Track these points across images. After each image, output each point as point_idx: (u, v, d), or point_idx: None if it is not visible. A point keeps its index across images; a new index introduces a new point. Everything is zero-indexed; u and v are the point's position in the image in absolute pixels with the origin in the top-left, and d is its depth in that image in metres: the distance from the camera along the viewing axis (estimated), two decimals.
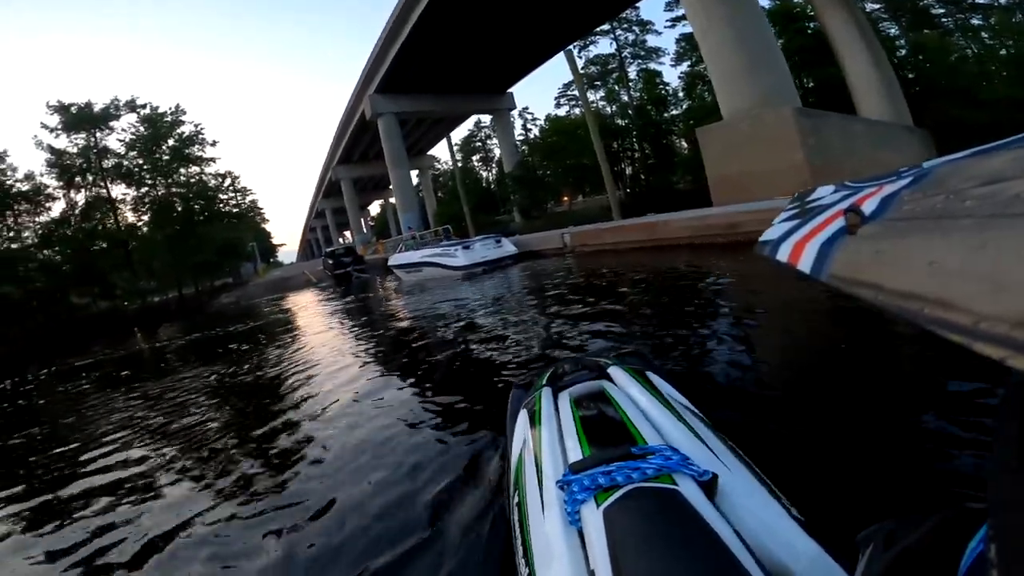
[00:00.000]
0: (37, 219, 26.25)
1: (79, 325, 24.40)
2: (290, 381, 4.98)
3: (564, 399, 1.52)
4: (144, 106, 27.85)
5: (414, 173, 44.80)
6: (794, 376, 2.91)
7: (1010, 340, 0.22)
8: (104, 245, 26.90)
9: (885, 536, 0.43)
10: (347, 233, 66.12)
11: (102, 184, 27.28)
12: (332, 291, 19.16)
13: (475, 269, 12.17)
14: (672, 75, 58.57)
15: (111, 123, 27.22)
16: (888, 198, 0.45)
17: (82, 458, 3.90)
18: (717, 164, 11.14)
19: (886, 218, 0.41)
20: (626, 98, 32.43)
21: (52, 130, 26.17)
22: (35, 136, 26.31)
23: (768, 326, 3.86)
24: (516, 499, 1.20)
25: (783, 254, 0.50)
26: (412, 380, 4.09)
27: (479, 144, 52.87)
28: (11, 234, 25.49)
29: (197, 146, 29.06)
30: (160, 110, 28.18)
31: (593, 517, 0.86)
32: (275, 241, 78.54)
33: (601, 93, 34.32)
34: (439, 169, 51.74)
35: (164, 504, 2.73)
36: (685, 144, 27.42)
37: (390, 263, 16.17)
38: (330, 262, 24.99)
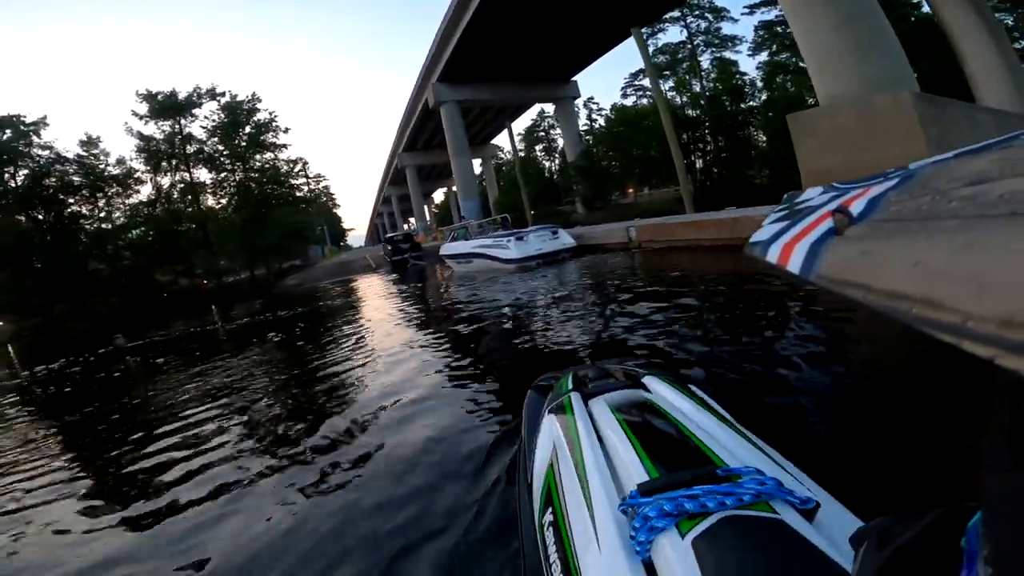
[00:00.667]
0: (127, 201, 28.14)
1: (161, 301, 25.93)
2: (322, 375, 5.17)
3: (600, 406, 1.35)
4: (223, 94, 29.17)
5: (477, 162, 44.67)
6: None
7: (997, 339, 0.22)
8: (186, 227, 28.43)
9: (879, 534, 0.43)
10: (411, 219, 67.27)
11: (185, 168, 28.82)
12: (387, 277, 19.51)
13: (528, 263, 11.32)
14: (749, 65, 55.19)
15: (194, 110, 28.70)
16: (875, 199, 0.46)
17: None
18: (813, 156, 9.93)
19: (873, 219, 0.42)
20: (698, 88, 30.78)
21: (141, 117, 27.88)
22: (126, 123, 28.28)
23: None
24: (549, 518, 1.03)
25: (772, 255, 0.50)
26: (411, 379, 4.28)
27: (542, 134, 52.17)
28: (103, 214, 27.33)
29: (271, 133, 30.16)
30: (238, 98, 29.43)
31: (676, 549, 0.74)
32: (345, 225, 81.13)
33: (670, 83, 32.80)
34: (502, 158, 51.38)
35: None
36: (763, 137, 25.67)
37: (441, 252, 15.32)
38: (389, 248, 25.21)
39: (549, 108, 44.86)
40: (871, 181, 0.51)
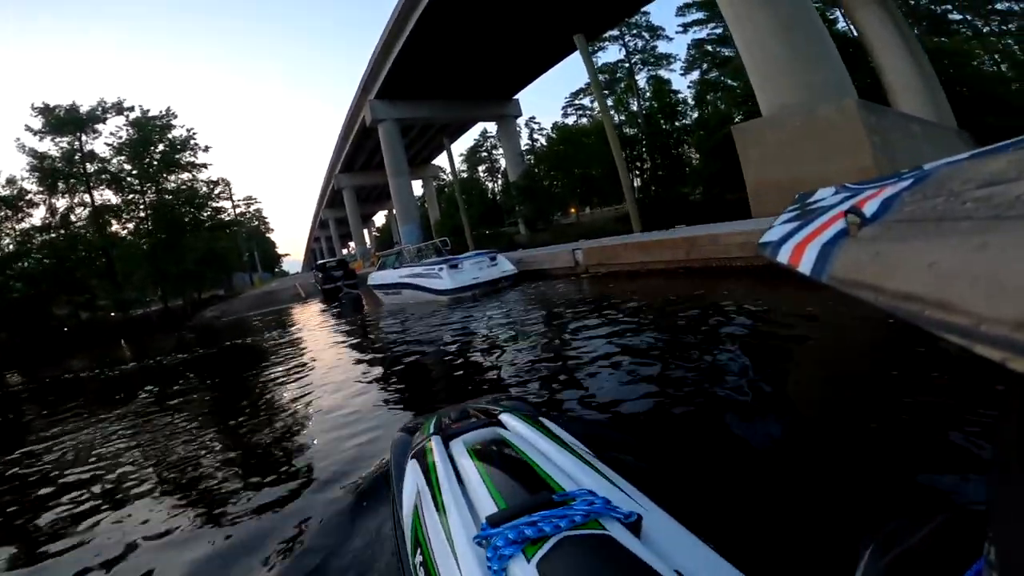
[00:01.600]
0: (17, 226, 24.94)
1: (60, 336, 23.00)
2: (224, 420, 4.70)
3: (458, 448, 1.45)
4: (131, 108, 26.67)
5: (418, 184, 43.51)
6: None
7: (1010, 342, 0.22)
8: (85, 253, 25.51)
9: (884, 538, 0.43)
10: (351, 244, 64.88)
11: (85, 190, 25.98)
12: (317, 308, 18.23)
13: (463, 293, 10.26)
14: (680, 84, 57.36)
15: (97, 126, 26.03)
16: (889, 200, 0.46)
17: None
18: (759, 168, 9.45)
19: (886, 220, 0.42)
20: (635, 107, 31.20)
21: (36, 133, 24.95)
22: (17, 139, 25.10)
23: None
24: (419, 559, 1.08)
25: (784, 256, 0.49)
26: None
27: (484, 154, 51.76)
28: None
29: (189, 151, 27.82)
30: (150, 113, 27.00)
31: (525, 573, 0.81)
32: (280, 250, 77.36)
33: (609, 101, 33.08)
34: (443, 179, 50.48)
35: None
36: (696, 155, 26.02)
37: (369, 282, 13.96)
38: (320, 275, 23.33)
39: (492, 127, 44.56)
40: (885, 181, 0.51)
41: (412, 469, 1.45)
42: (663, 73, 31.51)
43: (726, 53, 27.99)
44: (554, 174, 26.82)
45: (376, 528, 2.08)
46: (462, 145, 51.41)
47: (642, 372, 3.60)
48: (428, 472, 1.34)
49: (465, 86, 27.79)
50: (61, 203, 25.85)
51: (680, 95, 29.81)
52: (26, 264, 24.38)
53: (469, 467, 1.27)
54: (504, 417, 1.62)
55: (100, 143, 26.60)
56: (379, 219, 71.92)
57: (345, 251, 62.78)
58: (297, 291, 26.29)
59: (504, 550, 0.84)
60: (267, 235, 66.32)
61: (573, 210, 30.87)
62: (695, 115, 27.24)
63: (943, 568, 0.34)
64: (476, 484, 1.17)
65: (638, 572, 0.76)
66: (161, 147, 26.92)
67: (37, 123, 24.91)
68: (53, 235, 25.15)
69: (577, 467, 1.20)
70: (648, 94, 30.16)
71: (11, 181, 24.75)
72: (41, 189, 25.19)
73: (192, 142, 27.84)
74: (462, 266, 10.63)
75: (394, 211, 54.73)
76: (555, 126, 37.13)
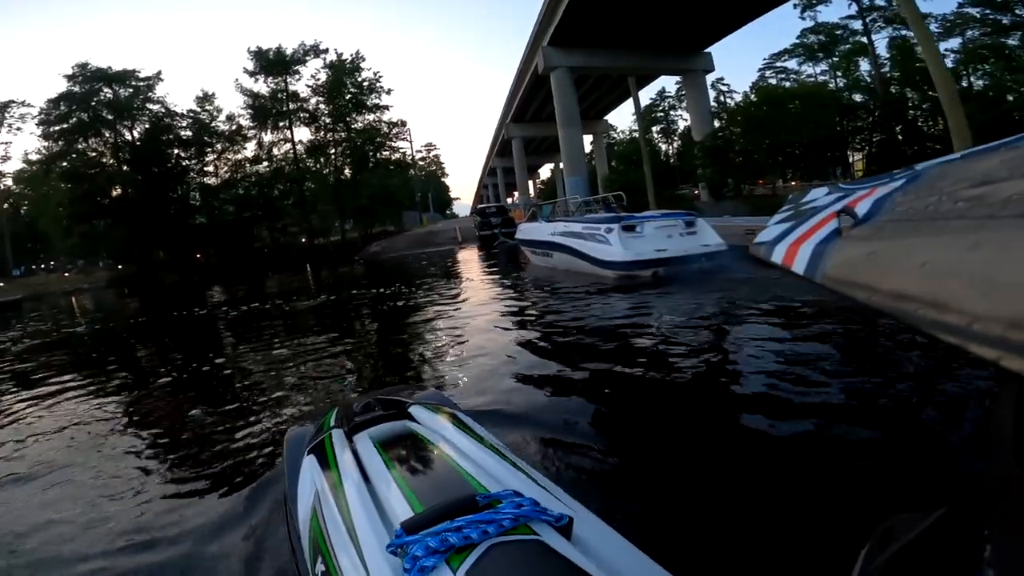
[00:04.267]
0: (233, 157, 28.71)
1: (259, 257, 26.29)
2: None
3: (364, 442, 1.30)
4: (326, 51, 28.64)
5: (587, 139, 41.66)
6: None
7: (1004, 341, 0.22)
8: (285, 184, 28.65)
9: (883, 533, 0.43)
10: (515, 193, 65.80)
11: (287, 126, 28.78)
12: (469, 254, 17.66)
13: (639, 271, 6.87)
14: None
15: (299, 67, 28.42)
16: (881, 200, 0.46)
17: None
18: None
19: (879, 220, 0.42)
20: (866, 70, 25.79)
21: (252, 74, 28.01)
22: (236, 79, 28.61)
23: None
24: (321, 568, 0.97)
25: (778, 256, 0.50)
26: None
27: (660, 114, 47.74)
28: (210, 168, 28.22)
29: (375, 94, 29.41)
30: (343, 56, 28.83)
31: None
32: (452, 194, 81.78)
33: (822, 67, 28.14)
34: (614, 137, 47.79)
35: None
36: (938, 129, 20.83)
37: (517, 235, 11.37)
38: (479, 220, 22.67)
39: (670, 87, 40.68)
40: (877, 182, 0.50)
41: (310, 466, 1.31)
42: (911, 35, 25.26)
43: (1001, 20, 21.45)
44: (749, 138, 23.38)
45: (265, 532, 1.86)
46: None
47: None
48: (329, 469, 1.21)
49: (648, 35, 24.75)
50: (268, 138, 29.06)
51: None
52: (239, 191, 28.20)
53: (377, 464, 1.15)
54: (415, 410, 1.49)
55: (301, 84, 29.27)
56: (544, 172, 71.66)
57: (510, 200, 63.84)
58: (456, 235, 26.43)
59: (425, 560, 0.76)
60: (442, 179, 70.30)
61: (761, 182, 26.90)
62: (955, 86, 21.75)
63: (942, 564, 0.34)
64: (386, 483, 1.06)
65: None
66: (352, 89, 28.76)
67: (252, 65, 27.90)
68: (260, 166, 28.61)
69: (499, 466, 1.10)
70: (889, 57, 24.62)
71: (230, 118, 28.47)
72: (253, 125, 28.51)
73: (378, 85, 29.35)
74: (642, 230, 7.26)
75: (560, 164, 54.03)
76: (755, 86, 32.41)
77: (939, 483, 1.60)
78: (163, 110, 26.87)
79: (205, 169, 28.17)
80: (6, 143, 38.74)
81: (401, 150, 32.52)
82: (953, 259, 0.27)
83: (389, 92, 29.67)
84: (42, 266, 39.75)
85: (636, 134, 46.86)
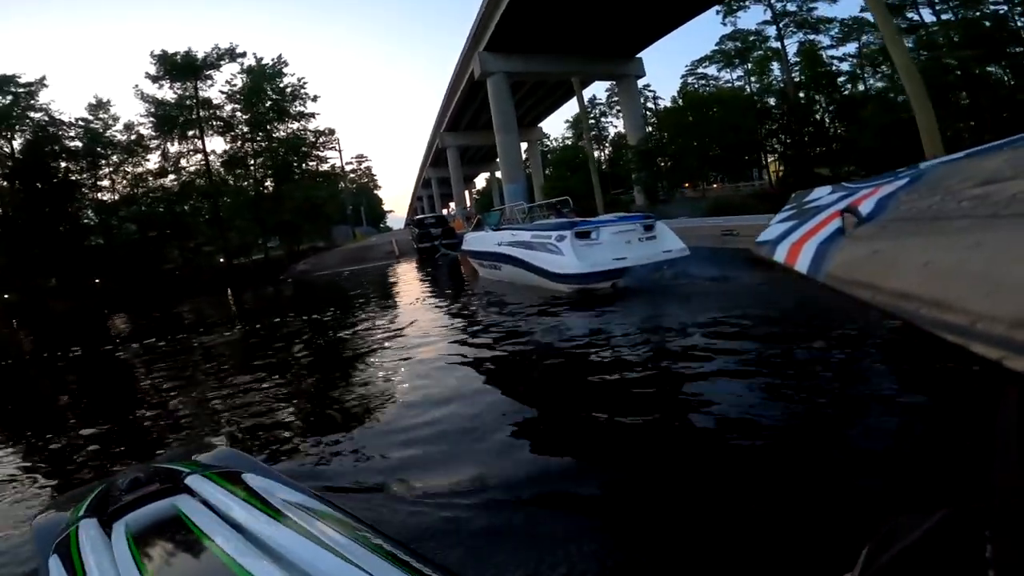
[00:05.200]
0: (134, 170, 25.95)
1: (170, 280, 23.75)
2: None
3: (119, 534, 1.04)
4: (244, 54, 26.49)
5: (522, 147, 41.56)
6: None
7: (1007, 341, 0.22)
8: (195, 199, 26.25)
9: (884, 535, 0.42)
10: (451, 204, 64.91)
11: (198, 136, 26.44)
12: (409, 270, 16.55)
13: (596, 283, 6.15)
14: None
15: (212, 72, 26.20)
16: (885, 199, 0.46)
17: None
18: None
19: (883, 219, 0.42)
20: (777, 74, 27.24)
21: (155, 80, 25.46)
22: (136, 85, 25.87)
23: None
24: None
25: (780, 254, 0.49)
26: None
27: (592, 121, 48.47)
28: (104, 183, 25.41)
29: (299, 100, 27.60)
30: (263, 61, 26.81)
31: None
32: (386, 207, 79.60)
33: (739, 72, 29.66)
34: (547, 145, 47.93)
35: None
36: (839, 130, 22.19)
37: (463, 246, 10.56)
38: (416, 232, 21.29)
39: (600, 95, 41.39)
40: (880, 181, 0.50)
41: (55, 568, 1.03)
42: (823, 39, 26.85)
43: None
44: (679, 142, 23.78)
45: None
46: (567, 112, 48.33)
47: None
48: (74, 574, 0.98)
49: (584, 39, 24.84)
50: (174, 149, 26.51)
51: (834, 67, 25.44)
52: (142, 208, 25.49)
53: (128, 566, 0.92)
54: (193, 480, 1.20)
55: (215, 90, 27.02)
56: (480, 182, 71.23)
57: (445, 211, 62.93)
58: (392, 248, 24.73)
59: None
60: (375, 191, 68.16)
61: (688, 185, 27.48)
62: (850, 88, 23.60)
63: (944, 565, 0.34)
64: None
65: None
66: (273, 95, 26.84)
67: (154, 70, 25.32)
68: (167, 180, 26.04)
69: (284, 539, 0.89)
70: (796, 61, 26.04)
71: (129, 127, 25.64)
72: (156, 134, 25.84)
73: (302, 91, 27.56)
74: (598, 236, 6.51)
75: (497, 173, 53.57)
76: (683, 90, 33.31)
77: (941, 484, 1.59)
78: (47, 119, 23.86)
79: (100, 184, 25.21)
80: None
81: (330, 160, 30.82)
82: (957, 258, 0.27)
83: (315, 99, 27.90)
84: None
85: (569, 141, 47.35)
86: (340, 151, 35.26)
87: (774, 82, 26.84)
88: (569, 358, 3.96)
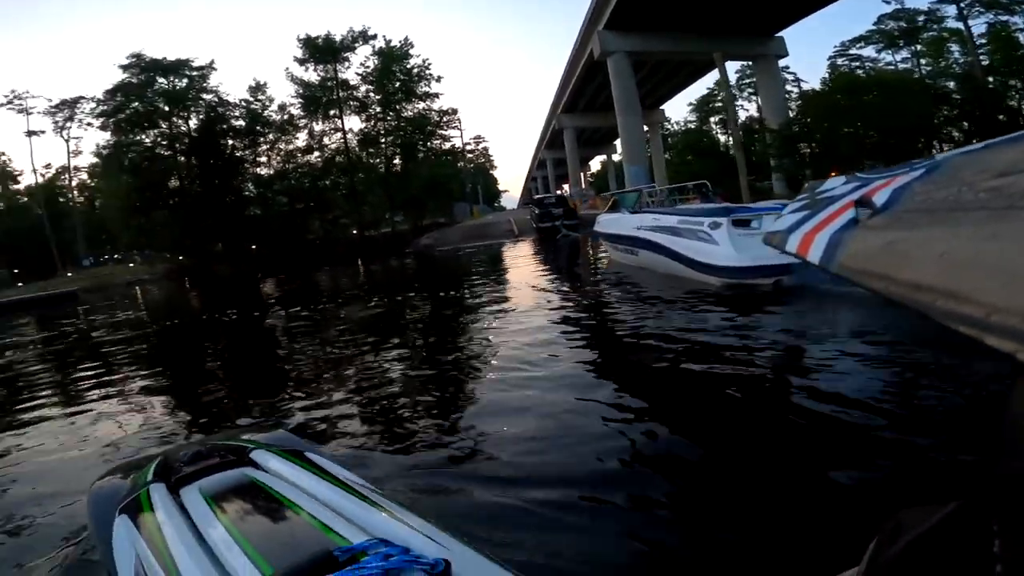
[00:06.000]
0: (285, 147, 28.84)
1: (311, 249, 26.29)
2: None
3: (192, 497, 1.11)
4: (375, 36, 28.33)
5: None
6: None
7: (1020, 334, 0.22)
8: (335, 174, 28.63)
9: (892, 527, 0.41)
10: (565, 186, 64.79)
11: (338, 115, 28.73)
12: (529, 250, 16.03)
13: (756, 278, 5.32)
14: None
15: (348, 55, 28.29)
16: (900, 189, 0.47)
17: None
18: None
19: (898, 209, 0.42)
20: (956, 57, 24.23)
21: (302, 63, 28.00)
22: (286, 68, 28.63)
23: None
24: None
25: (792, 245, 0.50)
26: None
27: (719, 104, 45.64)
28: (263, 159, 28.46)
29: (424, 81, 29.07)
30: (391, 43, 28.53)
31: None
32: (500, 187, 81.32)
33: (904, 54, 26.40)
34: (667, 128, 45.98)
35: None
36: None
37: (595, 227, 9.93)
38: (536, 212, 20.60)
39: (730, 75, 38.96)
40: (896, 171, 0.51)
41: (124, 529, 1.10)
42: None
43: None
44: (828, 126, 21.70)
45: None
46: (692, 94, 45.77)
47: None
48: (150, 532, 1.03)
49: (715, 16, 23.23)
50: (319, 127, 29.06)
51: None
52: (291, 182, 28.39)
53: (212, 523, 0.99)
54: (257, 455, 1.28)
55: (351, 72, 29.31)
56: (595, 165, 70.26)
57: (559, 192, 63.02)
58: (511, 227, 24.80)
59: None
60: (491, 171, 70.01)
61: (834, 173, 24.99)
62: None
63: (952, 559, 0.34)
64: (225, 544, 0.90)
65: None
66: (401, 76, 28.48)
67: (300, 53, 27.87)
68: (312, 156, 28.67)
69: (362, 511, 0.98)
70: (986, 44, 23.08)
71: (282, 107, 28.55)
72: (304, 114, 28.54)
73: (427, 72, 28.95)
74: (760, 225, 5.72)
75: (615, 156, 52.50)
76: (833, 72, 30.44)
77: (950, 477, 1.56)
78: (217, 100, 27.24)
79: (258, 159, 28.45)
80: (77, 138, 40.40)
81: (451, 140, 32.21)
82: (972, 250, 0.27)
83: (439, 79, 29.28)
84: (115, 256, 41.63)
85: (692, 125, 45.03)
86: (461, 131, 36.59)
87: (954, 65, 23.79)
88: (710, 366, 3.31)
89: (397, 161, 28.86)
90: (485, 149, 65.33)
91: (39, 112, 36.94)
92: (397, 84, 28.46)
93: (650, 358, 3.68)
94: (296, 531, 0.94)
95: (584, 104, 39.76)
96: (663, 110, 42.49)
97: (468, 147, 43.71)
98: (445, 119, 30.28)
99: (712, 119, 45.93)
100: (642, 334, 4.41)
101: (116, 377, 5.32)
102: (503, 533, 1.67)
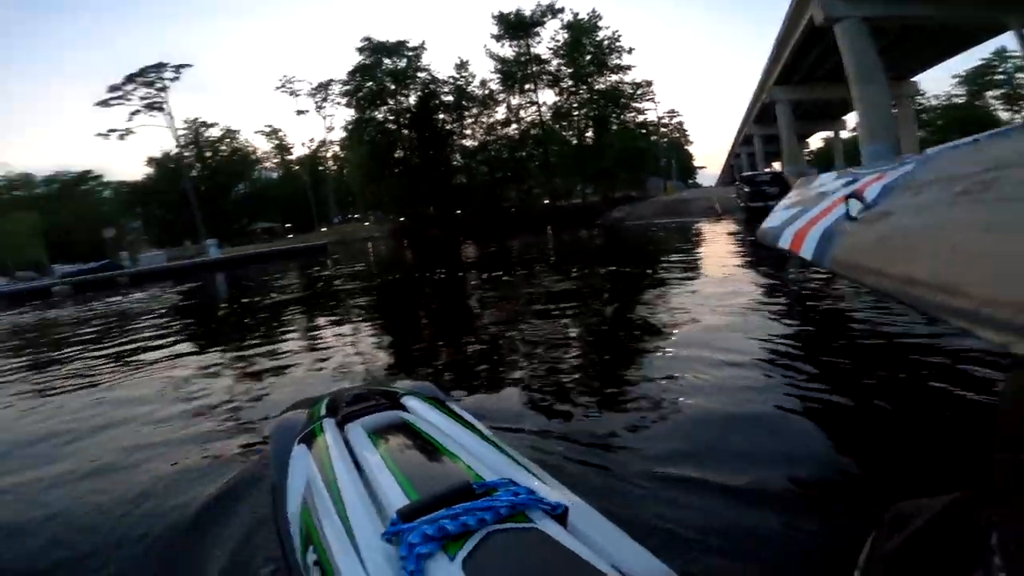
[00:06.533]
0: (485, 121, 31.54)
1: (506, 217, 28.54)
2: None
3: (356, 432, 1.28)
4: (562, 10, 29.20)
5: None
6: None
7: (1012, 325, 0.21)
8: (530, 146, 30.42)
9: (892, 519, 0.42)
10: (775, 164, 58.72)
11: (532, 89, 30.42)
12: (734, 229, 13.80)
13: None
14: None
15: (538, 30, 29.64)
16: (890, 185, 0.45)
17: None
18: None
19: (888, 205, 0.41)
20: None
21: (498, 39, 30.12)
22: (484, 45, 31.12)
23: None
24: (312, 557, 0.97)
25: (785, 241, 0.50)
26: None
27: (1001, 76, 36.72)
28: (467, 132, 31.38)
29: (615, 54, 29.25)
30: (579, 16, 29.18)
31: (448, 573, 0.73)
32: (696, 163, 77.04)
33: None
34: (921, 104, 38.52)
35: None
36: None
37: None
38: (746, 190, 18.41)
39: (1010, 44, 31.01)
40: (886, 167, 0.50)
41: (300, 456, 1.30)
42: None
43: None
44: None
45: (253, 525, 1.70)
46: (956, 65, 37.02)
47: None
48: (320, 459, 1.20)
49: None
50: (515, 101, 31.20)
51: None
52: (491, 153, 30.84)
53: (370, 454, 1.14)
54: (407, 400, 1.49)
55: (542, 47, 30.57)
56: (815, 142, 62.15)
57: (772, 169, 57.27)
58: (712, 204, 21.63)
59: (421, 547, 0.75)
60: (685, 147, 66.77)
61: None
62: None
63: (951, 550, 0.33)
64: (380, 473, 1.04)
65: (571, 567, 0.71)
66: (591, 49, 28.94)
67: (496, 30, 29.94)
68: (510, 129, 30.83)
69: (495, 455, 1.10)
70: None
71: (483, 83, 31.21)
72: (502, 89, 30.88)
73: (617, 44, 29.05)
74: None
75: (841, 133, 46.04)
76: None
77: (946, 469, 1.49)
78: (429, 77, 30.80)
79: (464, 132, 31.55)
80: (331, 115, 48.98)
81: (645, 113, 31.88)
82: (962, 244, 0.27)
83: (630, 51, 29.15)
84: (356, 216, 49.82)
85: (961, 99, 37.29)
86: (656, 104, 35.67)
87: None
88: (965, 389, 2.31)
89: (589, 134, 29.50)
90: (680, 124, 62.44)
91: (304, 94, 45.12)
92: (588, 57, 29.03)
93: (878, 363, 2.97)
94: (439, 466, 1.08)
95: (802, 75, 35.21)
96: (915, 82, 35.60)
97: (662, 121, 42.49)
98: (639, 92, 30.04)
99: (989, 93, 37.47)
100: (873, 333, 3.55)
101: (333, 319, 6.33)
102: (626, 506, 1.58)
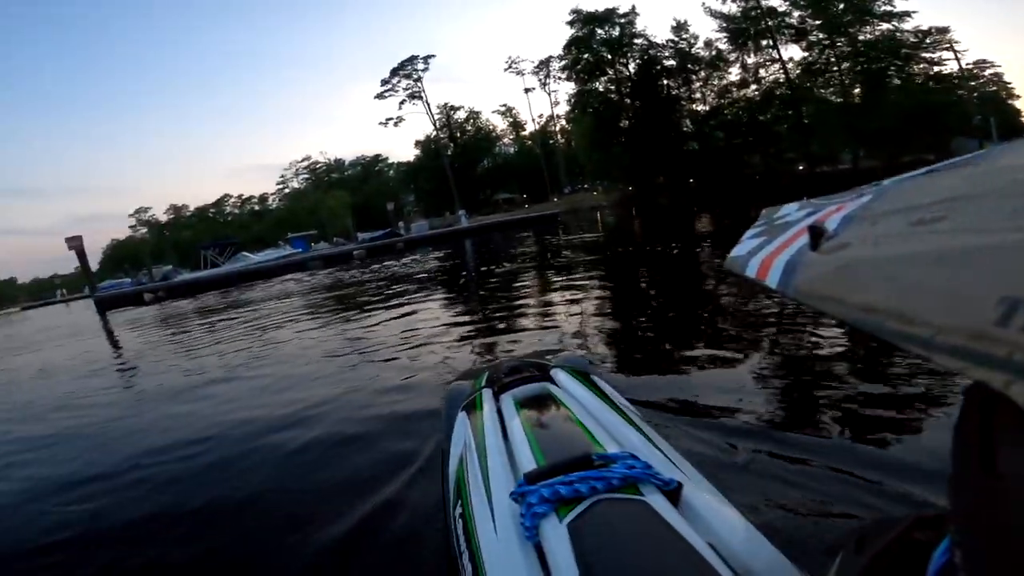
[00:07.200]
0: (717, 83, 29.01)
1: (749, 184, 26.17)
2: None
3: (507, 401, 1.45)
4: None
5: None
6: None
7: (966, 351, 0.23)
8: (777, 107, 26.99)
9: (856, 541, 0.44)
10: None
11: (771, 46, 26.69)
12: None
13: None
14: None
15: None
16: (850, 215, 0.47)
17: None
18: None
19: (848, 234, 0.43)
20: None
21: None
22: (703, 3, 27.81)
23: None
24: (459, 510, 1.12)
25: (752, 270, 0.53)
26: None
27: None
28: (696, 96, 29.25)
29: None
30: None
31: (556, 533, 0.82)
32: None
33: None
34: None
35: None
36: None
37: None
38: None
39: None
40: (845, 198, 0.52)
41: (461, 421, 1.47)
42: None
43: None
44: None
45: (428, 477, 1.97)
46: None
47: None
48: (477, 425, 1.36)
49: None
50: (751, 60, 27.78)
51: None
52: (727, 117, 28.26)
53: (515, 421, 1.28)
54: (555, 372, 1.62)
55: None
56: None
57: None
58: None
59: (537, 508, 0.84)
60: (1008, 101, 50.92)
61: None
62: None
63: (915, 570, 0.35)
64: (520, 439, 1.17)
65: (671, 542, 0.75)
66: None
67: None
68: (747, 90, 27.83)
69: (623, 428, 1.19)
70: None
71: (708, 44, 28.51)
72: (732, 48, 27.76)
73: None
74: None
75: None
76: None
77: (908, 489, 1.49)
78: (647, 43, 29.21)
79: (692, 97, 29.57)
80: (555, 91, 49.92)
81: (942, 62, 25.26)
82: (918, 272, 0.29)
83: None
84: (584, 186, 51.03)
85: None
86: (956, 53, 27.94)
87: None
88: None
89: (857, 91, 24.63)
90: (996, 75, 47.26)
91: (528, 72, 47.74)
92: (842, 6, 24.18)
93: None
94: (569, 435, 1.19)
95: None
96: None
97: (972, 71, 33.54)
98: (927, 41, 23.84)
99: None
100: None
101: (566, 286, 6.49)
102: (742, 479, 1.66)
